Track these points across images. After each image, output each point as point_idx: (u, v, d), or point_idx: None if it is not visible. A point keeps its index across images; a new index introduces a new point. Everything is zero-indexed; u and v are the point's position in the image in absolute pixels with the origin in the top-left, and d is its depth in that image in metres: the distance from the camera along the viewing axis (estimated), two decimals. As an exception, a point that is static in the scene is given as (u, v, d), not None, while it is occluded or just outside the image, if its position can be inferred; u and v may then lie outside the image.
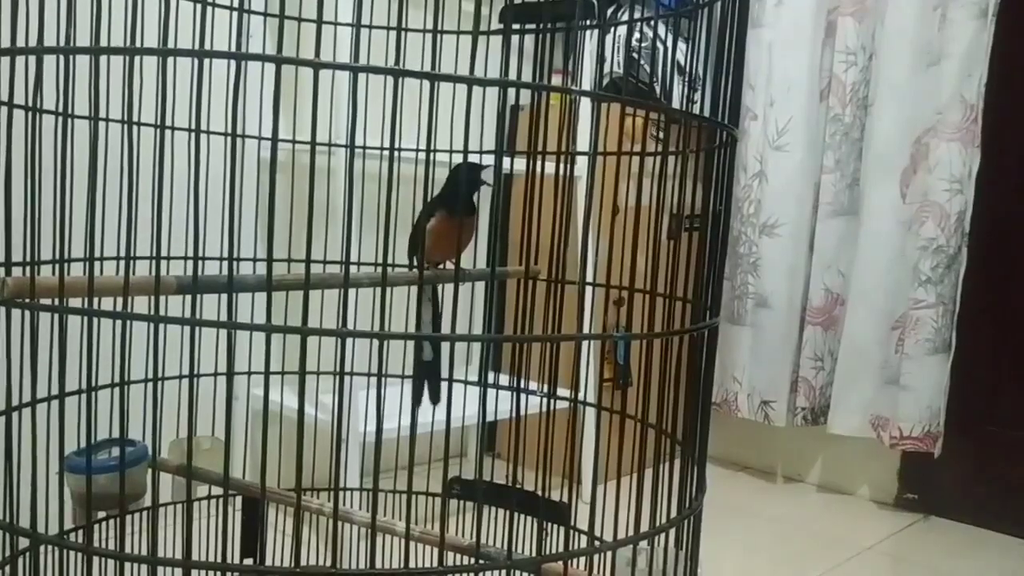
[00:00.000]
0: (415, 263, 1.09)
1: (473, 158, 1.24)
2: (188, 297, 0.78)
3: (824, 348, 2.17)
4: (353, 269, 1.28)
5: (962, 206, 1.95)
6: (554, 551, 1.03)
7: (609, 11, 2.13)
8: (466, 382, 1.30)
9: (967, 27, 1.91)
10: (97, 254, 0.92)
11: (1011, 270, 2.06)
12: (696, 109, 0.83)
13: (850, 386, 2.10)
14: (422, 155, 1.30)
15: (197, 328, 0.64)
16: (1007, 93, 1.99)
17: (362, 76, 0.61)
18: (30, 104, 0.70)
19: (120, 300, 0.68)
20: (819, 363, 2.17)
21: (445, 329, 1.18)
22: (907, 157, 2.01)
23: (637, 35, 2.17)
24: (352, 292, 1.07)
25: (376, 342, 0.65)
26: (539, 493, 1.00)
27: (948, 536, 2.02)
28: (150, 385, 0.87)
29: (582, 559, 0.83)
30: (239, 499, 1.12)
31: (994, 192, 2.00)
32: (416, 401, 1.04)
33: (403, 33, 0.69)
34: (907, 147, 2.01)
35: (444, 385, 1.07)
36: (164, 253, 1.00)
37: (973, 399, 2.07)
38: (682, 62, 2.19)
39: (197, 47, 0.62)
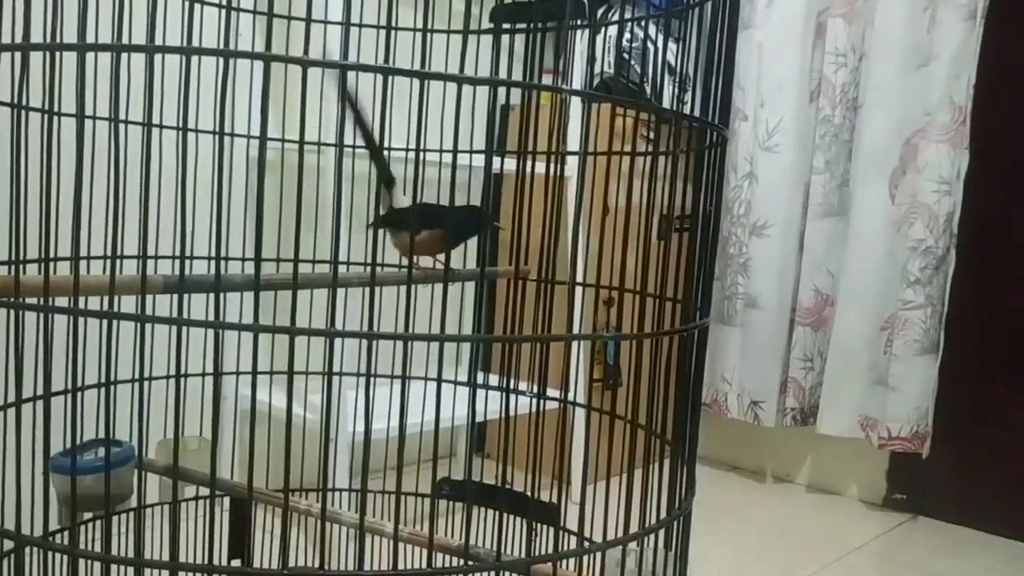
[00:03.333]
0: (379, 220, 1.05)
1: (463, 157, 1.23)
2: (175, 296, 0.78)
3: (813, 348, 2.18)
4: (342, 269, 1.28)
5: (951, 207, 1.96)
6: (543, 552, 1.02)
7: (600, 11, 2.13)
8: (456, 382, 1.29)
9: (956, 29, 1.92)
10: (83, 253, 0.91)
11: (999, 271, 2.07)
12: (687, 109, 0.83)
13: (839, 386, 2.10)
14: (411, 154, 1.29)
15: (184, 328, 0.63)
16: (995, 95, 2.00)
17: (351, 75, 0.61)
18: (15, 101, 0.69)
19: (106, 299, 0.67)
20: (808, 363, 2.18)
21: (434, 330, 1.17)
22: (896, 158, 2.02)
23: (628, 35, 2.17)
24: (341, 292, 1.06)
25: (365, 342, 0.64)
26: (529, 494, 1.00)
27: (936, 536, 2.03)
28: (136, 385, 0.86)
29: (571, 560, 0.83)
30: (226, 500, 1.11)
31: (982, 193, 2.01)
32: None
33: (393, 32, 0.68)
34: (896, 148, 2.02)
35: (432, 385, 1.07)
36: (151, 252, 0.99)
37: (961, 400, 2.08)
38: (673, 62, 2.19)
39: (185, 44, 0.61)
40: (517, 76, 0.86)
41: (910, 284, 1.98)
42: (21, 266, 0.71)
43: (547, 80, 1.88)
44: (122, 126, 0.77)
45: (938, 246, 1.96)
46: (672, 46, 2.12)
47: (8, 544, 0.75)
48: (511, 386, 1.05)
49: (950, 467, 2.10)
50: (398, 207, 1.01)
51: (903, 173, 2.01)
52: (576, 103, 1.68)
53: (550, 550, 1.01)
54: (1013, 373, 2.06)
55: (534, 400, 1.08)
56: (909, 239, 1.98)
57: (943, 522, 2.09)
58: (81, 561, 0.67)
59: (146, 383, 0.91)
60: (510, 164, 1.32)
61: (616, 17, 2.14)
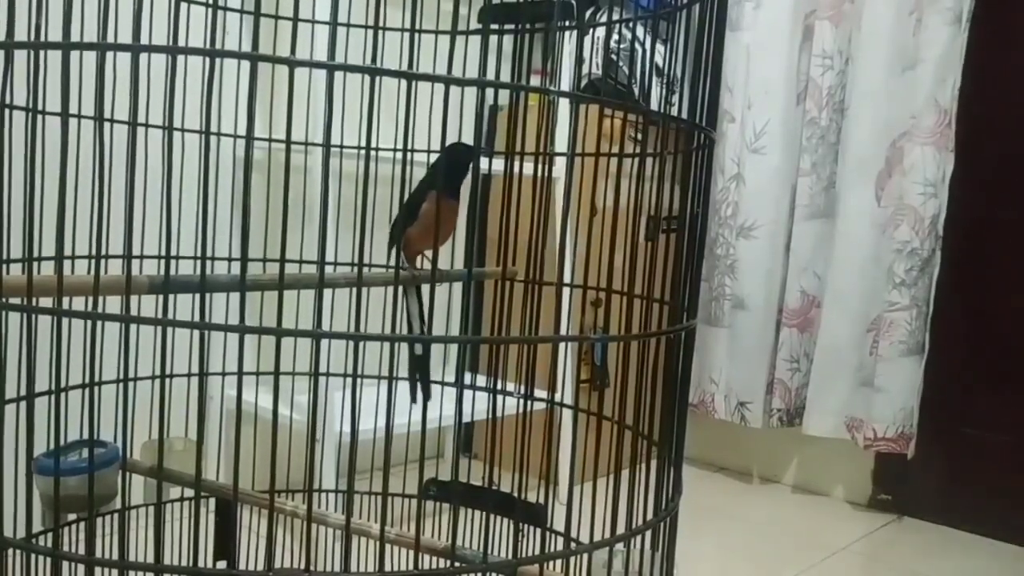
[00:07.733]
0: (397, 256, 1.07)
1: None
2: (160, 296, 0.77)
3: (800, 350, 2.19)
4: (329, 269, 1.27)
5: (936, 209, 1.97)
6: (530, 553, 1.02)
7: (588, 12, 2.14)
8: (443, 383, 1.29)
9: (942, 32, 1.93)
10: (67, 252, 0.90)
11: (983, 273, 2.09)
12: (674, 111, 0.83)
13: (825, 388, 2.11)
14: (399, 155, 1.29)
15: (169, 328, 0.63)
16: (980, 98, 2.01)
17: (339, 75, 0.60)
18: (-1, 99, 0.68)
19: (91, 300, 0.66)
20: (795, 365, 2.19)
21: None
22: (882, 160, 2.03)
23: (616, 36, 2.17)
24: (327, 292, 1.06)
25: (352, 343, 0.64)
26: (515, 495, 1.00)
27: (921, 536, 2.04)
28: (121, 386, 0.86)
29: (558, 561, 0.83)
30: (212, 501, 1.10)
31: (967, 196, 2.02)
32: (413, 398, 1.02)
33: (380, 32, 0.68)
34: (882, 151, 2.03)
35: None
36: (136, 252, 0.98)
37: (946, 401, 2.09)
38: (660, 64, 2.19)
39: (171, 43, 0.61)
40: (505, 77, 0.86)
41: (895, 286, 1.99)
42: (4, 266, 0.71)
43: (535, 81, 1.88)
44: (107, 125, 0.77)
45: (923, 248, 1.97)
46: (660, 48, 2.12)
47: (-10, 546, 0.75)
48: (498, 387, 1.05)
49: (935, 468, 2.11)
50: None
51: (889, 175, 2.03)
52: (564, 104, 1.68)
53: (537, 551, 1.01)
54: (997, 374, 2.07)
55: (521, 401, 1.08)
56: (895, 241, 1.99)
57: (928, 523, 2.11)
58: (64, 563, 0.66)
59: (131, 384, 0.90)
60: (498, 165, 1.32)
61: (604, 18, 2.14)
